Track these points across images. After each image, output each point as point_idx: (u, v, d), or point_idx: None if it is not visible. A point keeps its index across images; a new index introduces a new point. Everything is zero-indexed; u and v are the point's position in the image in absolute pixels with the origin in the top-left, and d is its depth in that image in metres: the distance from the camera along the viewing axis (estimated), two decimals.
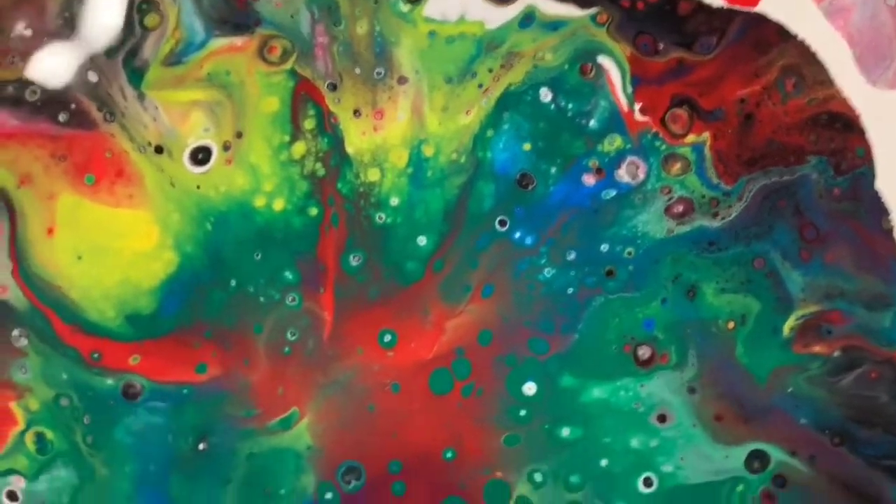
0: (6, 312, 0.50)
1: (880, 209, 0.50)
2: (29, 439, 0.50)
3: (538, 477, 0.49)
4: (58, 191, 0.50)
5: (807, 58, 0.51)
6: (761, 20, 0.51)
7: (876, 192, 0.50)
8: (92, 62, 0.51)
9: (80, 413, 0.50)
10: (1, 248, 0.50)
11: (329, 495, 0.49)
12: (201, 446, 0.49)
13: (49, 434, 0.50)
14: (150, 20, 0.50)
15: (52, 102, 0.51)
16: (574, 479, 0.49)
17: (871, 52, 0.51)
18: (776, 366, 0.49)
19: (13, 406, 0.50)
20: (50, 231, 0.50)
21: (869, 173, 0.50)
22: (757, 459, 0.49)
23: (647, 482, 0.49)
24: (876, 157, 0.50)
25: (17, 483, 0.49)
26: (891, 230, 0.50)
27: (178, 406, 0.50)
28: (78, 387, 0.50)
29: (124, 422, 0.50)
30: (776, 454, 0.49)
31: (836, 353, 0.49)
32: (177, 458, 0.50)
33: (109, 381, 0.50)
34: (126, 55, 0.51)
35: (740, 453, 0.49)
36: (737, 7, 0.51)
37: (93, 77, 0.51)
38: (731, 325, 0.49)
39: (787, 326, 0.49)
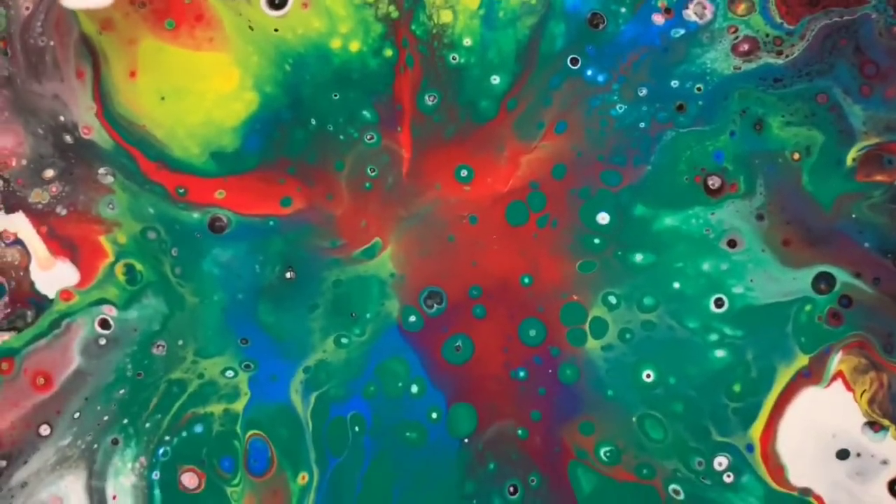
0: (92, 152, 0.57)
1: None
2: (119, 271, 0.56)
3: (612, 300, 0.55)
4: (139, 36, 0.57)
5: None
6: None
7: None
8: None
9: (167, 246, 0.56)
10: (85, 92, 0.57)
11: (412, 318, 0.56)
12: (288, 275, 0.56)
13: (138, 265, 0.56)
14: None
15: None
16: (648, 300, 0.55)
17: None
18: (840, 193, 0.56)
19: (102, 240, 0.56)
20: (132, 74, 0.57)
21: None
22: (823, 281, 0.55)
23: (719, 303, 0.55)
24: None
25: (109, 312, 0.56)
26: None
27: (265, 238, 0.56)
28: (165, 221, 0.56)
29: (212, 253, 0.56)
30: (842, 276, 0.55)
31: None
32: (265, 287, 0.56)
33: (196, 215, 0.56)
34: None
35: (807, 275, 0.55)
36: None
37: None
38: (796, 156, 0.56)
39: (850, 157, 0.56)
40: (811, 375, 0.50)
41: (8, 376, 0.52)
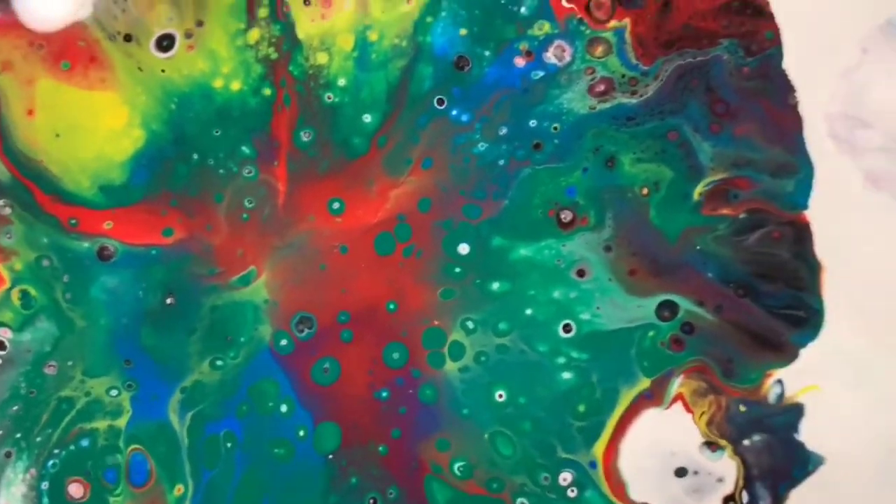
0: None
1: (786, 86, 0.62)
2: (14, 296, 0.63)
3: (470, 325, 0.61)
4: (36, 76, 0.63)
5: None
6: None
7: (783, 71, 0.63)
8: None
9: (59, 273, 0.63)
10: None
11: (284, 342, 0.62)
12: (169, 301, 0.62)
13: (32, 291, 0.63)
14: None
15: None
16: (502, 325, 0.61)
17: None
18: (686, 226, 0.61)
19: (0, 267, 0.63)
20: (30, 112, 0.63)
21: (777, 54, 0.62)
22: (667, 309, 0.61)
23: (567, 328, 0.61)
24: (784, 39, 0.63)
25: (4, 334, 0.62)
26: (796, 105, 0.63)
27: (148, 266, 0.62)
28: (57, 249, 0.63)
29: (99, 280, 0.62)
30: (685, 304, 0.61)
31: (742, 215, 0.61)
32: (147, 312, 0.62)
33: (85, 244, 0.63)
34: None
35: (652, 303, 0.61)
36: None
37: None
38: (645, 191, 0.62)
39: (697, 192, 0.62)
40: (653, 397, 0.57)
41: None
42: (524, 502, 0.56)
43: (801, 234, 0.58)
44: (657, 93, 0.59)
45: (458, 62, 0.59)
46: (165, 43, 0.61)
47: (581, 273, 0.58)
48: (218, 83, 0.60)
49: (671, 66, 0.59)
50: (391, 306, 0.58)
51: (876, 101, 0.59)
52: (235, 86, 0.60)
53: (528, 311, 0.58)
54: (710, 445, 0.57)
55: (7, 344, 0.59)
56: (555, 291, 0.58)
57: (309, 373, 0.58)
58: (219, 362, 0.58)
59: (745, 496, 0.59)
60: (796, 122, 0.59)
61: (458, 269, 0.58)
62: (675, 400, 0.57)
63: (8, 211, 0.60)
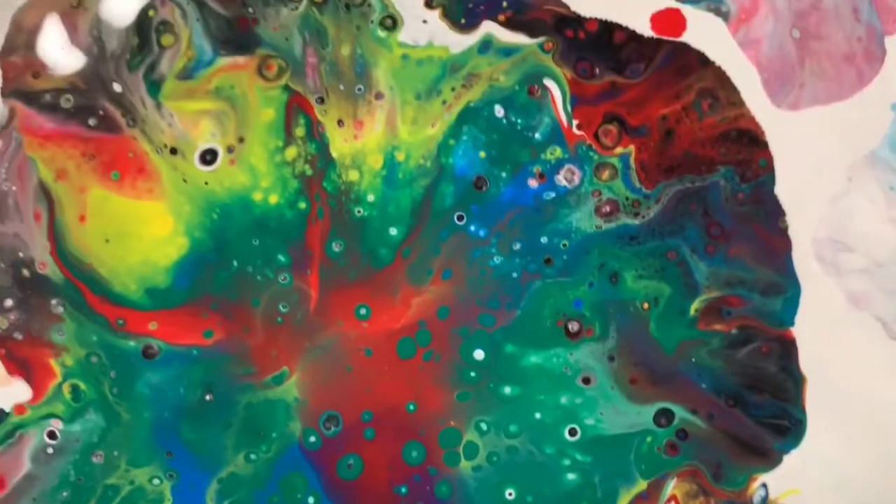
0: (46, 285, 0.71)
1: (778, 211, 0.70)
2: (65, 389, 0.70)
3: (484, 426, 0.69)
4: (88, 185, 0.71)
5: (722, 82, 0.71)
6: (684, 49, 0.69)
7: (775, 197, 0.70)
8: (117, 75, 0.72)
9: (107, 369, 0.70)
10: (41, 231, 0.71)
11: (312, 438, 0.69)
12: (207, 397, 0.70)
13: (82, 385, 0.70)
14: (166, 39, 0.71)
15: (83, 109, 0.72)
16: (513, 428, 0.69)
17: (777, 77, 0.71)
18: (682, 340, 0.69)
19: (52, 362, 0.70)
20: (82, 218, 0.71)
21: (769, 181, 0.70)
22: (664, 416, 0.69)
23: (572, 432, 0.68)
24: (776, 167, 0.71)
25: (56, 425, 0.69)
26: (786, 229, 0.70)
27: (189, 365, 0.70)
28: (105, 347, 0.70)
29: (144, 377, 0.70)
30: (680, 412, 0.69)
31: (734, 331, 0.68)
32: (187, 407, 0.69)
33: (132, 343, 0.70)
34: (145, 69, 0.72)
35: (650, 411, 0.68)
36: (664, 37, 0.72)
37: (117, 88, 0.72)
38: (646, 305, 0.70)
39: (693, 308, 0.70)
40: (649, 498, 0.64)
41: None
42: None
43: (788, 350, 0.66)
44: (658, 215, 0.66)
45: (477, 182, 0.67)
46: (209, 157, 0.67)
47: (587, 380, 0.65)
48: (257, 196, 0.67)
49: (672, 191, 0.66)
50: (411, 407, 0.65)
51: (859, 227, 0.66)
52: (273, 199, 0.67)
53: (537, 415, 0.65)
54: None
55: (58, 434, 0.66)
56: (562, 397, 0.65)
57: (335, 468, 0.65)
58: (252, 456, 0.65)
59: None
60: (786, 244, 0.66)
61: (473, 374, 0.65)
62: (668, 501, 0.64)
63: (60, 310, 0.67)
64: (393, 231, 0.66)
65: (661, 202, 0.64)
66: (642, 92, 0.66)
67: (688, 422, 0.63)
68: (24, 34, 0.67)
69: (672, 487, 0.63)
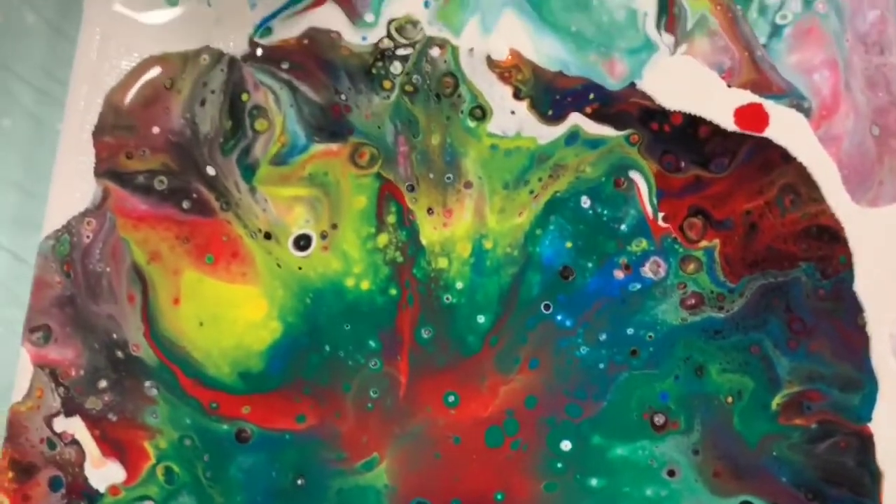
0: (140, 367, 0.73)
1: (857, 308, 0.73)
2: (159, 472, 0.72)
3: None
4: (182, 267, 0.74)
5: (803, 178, 0.73)
6: (767, 144, 0.73)
7: (854, 294, 0.73)
8: (210, 158, 0.75)
9: (200, 452, 0.73)
10: (135, 313, 0.74)
11: None
12: (299, 482, 0.72)
13: (176, 468, 0.72)
14: (260, 125, 0.74)
15: (177, 191, 0.75)
16: None
17: (857, 174, 0.74)
18: (764, 434, 0.72)
19: (146, 444, 0.73)
20: (176, 301, 0.74)
21: (849, 278, 0.73)
22: None
23: None
24: (855, 264, 0.74)
25: None
26: (864, 326, 0.73)
27: (281, 449, 0.72)
28: (199, 430, 0.73)
29: (237, 460, 0.72)
30: None
31: (814, 426, 0.71)
32: (279, 491, 0.72)
33: (225, 427, 0.73)
34: (239, 153, 0.75)
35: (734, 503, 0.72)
36: (747, 132, 0.75)
37: (211, 171, 0.75)
38: (730, 399, 0.72)
39: (775, 402, 0.72)
40: None
41: None
42: None
43: (865, 444, 0.68)
44: (742, 309, 0.69)
45: (564, 271, 0.69)
46: (302, 242, 0.70)
47: (671, 473, 0.67)
48: (350, 282, 0.70)
49: (755, 285, 0.69)
50: (499, 496, 0.68)
51: None
52: (365, 285, 0.70)
53: None
54: None
55: None
56: (647, 489, 0.67)
57: None
58: None
59: None
60: (864, 340, 0.69)
61: (560, 465, 0.68)
62: None
63: (154, 392, 0.69)
64: (481, 319, 0.68)
65: (745, 296, 0.67)
66: (726, 186, 0.68)
67: None
68: (117, 114, 0.68)
69: None
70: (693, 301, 0.67)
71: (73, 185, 0.70)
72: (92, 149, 0.70)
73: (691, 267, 0.67)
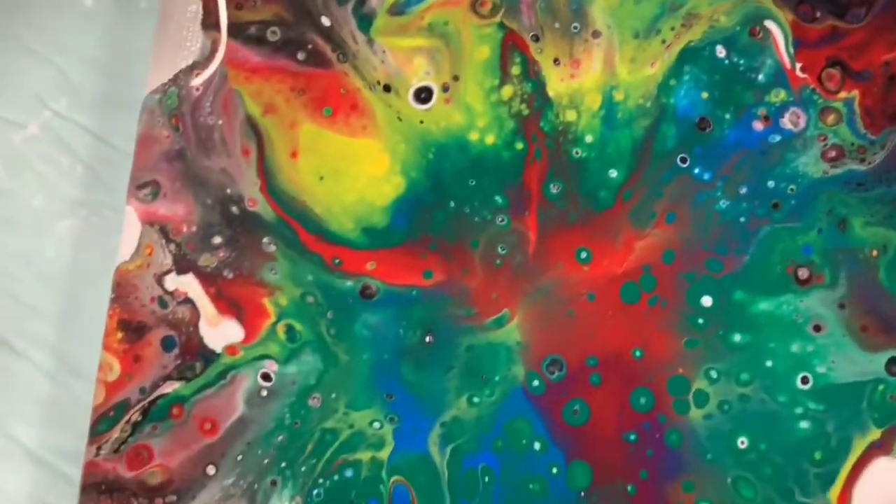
0: (256, 222, 0.70)
1: None
2: (280, 330, 0.70)
3: (714, 374, 0.69)
4: (299, 120, 0.71)
5: None
6: None
7: None
8: (325, 8, 0.72)
9: (323, 309, 0.70)
10: (250, 167, 0.71)
11: (536, 383, 0.69)
12: (428, 339, 0.69)
13: (297, 325, 0.70)
14: None
15: (291, 42, 0.72)
16: (744, 376, 0.69)
17: None
18: None
19: (265, 302, 0.70)
20: (294, 154, 0.71)
21: None
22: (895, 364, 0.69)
23: (805, 380, 0.68)
24: None
25: (271, 367, 0.69)
26: None
27: (408, 305, 0.70)
28: (321, 287, 0.70)
29: (362, 317, 0.70)
30: None
31: None
32: (407, 349, 0.69)
33: (349, 283, 0.70)
34: (355, 3, 0.72)
35: (882, 359, 0.69)
36: None
37: (326, 21, 0.72)
38: (874, 252, 0.70)
39: None
40: (882, 447, 0.64)
41: (178, 421, 0.65)
42: None
43: None
44: (884, 161, 0.67)
45: (701, 123, 0.67)
46: (423, 95, 0.68)
47: (817, 328, 0.65)
48: (473, 136, 0.68)
49: None
50: (637, 353, 0.65)
51: None
52: (490, 139, 0.67)
53: (769, 363, 0.65)
54: None
55: (273, 376, 0.65)
56: (793, 345, 0.65)
57: (560, 413, 0.65)
58: (475, 399, 0.65)
59: None
60: None
61: (700, 321, 0.65)
62: None
63: (273, 248, 0.67)
64: (613, 173, 0.66)
65: (887, 148, 0.65)
66: (864, 37, 0.66)
67: None
68: None
69: None
70: (834, 153, 0.65)
71: (178, 37, 0.66)
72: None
73: (831, 118, 0.65)
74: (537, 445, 0.64)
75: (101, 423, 0.63)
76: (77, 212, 0.74)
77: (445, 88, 0.66)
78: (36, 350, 0.72)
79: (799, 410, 0.63)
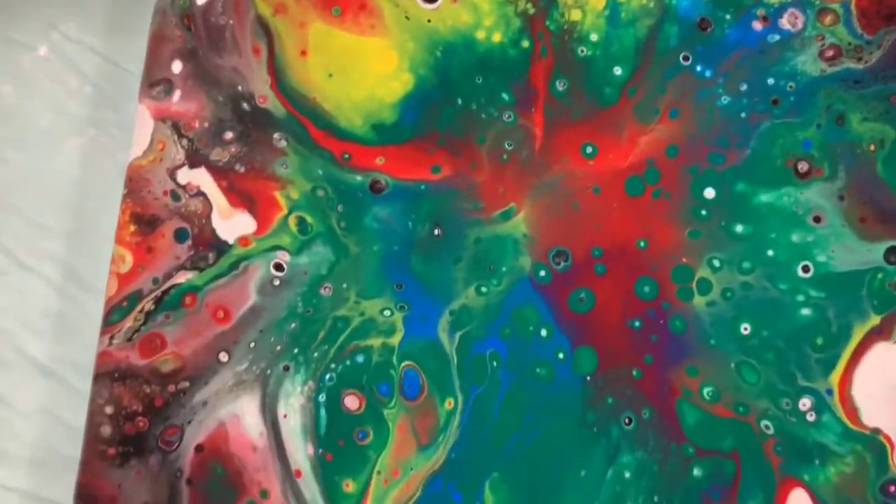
0: (267, 119, 0.72)
1: None
2: (291, 222, 0.71)
3: (717, 263, 0.71)
4: (309, 20, 0.73)
5: None
6: None
7: None
8: None
9: (334, 202, 0.72)
10: (261, 66, 0.73)
11: (542, 273, 0.71)
12: (436, 232, 0.72)
13: (309, 218, 0.71)
14: None
15: None
16: (746, 265, 0.71)
17: None
18: None
19: (277, 195, 0.72)
20: (303, 53, 0.73)
21: None
22: (894, 254, 0.72)
23: (805, 269, 0.71)
24: None
25: (283, 257, 0.71)
26: None
27: (417, 199, 0.72)
28: (331, 181, 0.72)
29: (372, 211, 0.72)
30: None
31: None
32: (416, 241, 0.71)
33: (358, 178, 0.72)
34: None
35: (880, 248, 0.71)
36: None
37: None
38: (872, 147, 0.72)
39: None
40: (882, 333, 0.66)
41: (191, 310, 0.67)
42: (768, 425, 0.66)
43: None
44: (880, 60, 0.69)
45: (702, 23, 0.70)
46: None
47: (817, 219, 0.67)
48: (480, 34, 0.70)
49: (892, 37, 0.69)
50: (642, 244, 0.68)
51: None
52: (496, 37, 0.70)
53: (770, 253, 0.67)
54: None
55: (285, 266, 0.67)
56: (794, 235, 0.67)
57: (566, 302, 0.67)
58: (483, 289, 0.67)
59: None
60: None
61: (704, 212, 0.68)
62: None
63: (283, 143, 0.69)
64: (617, 70, 0.68)
65: (883, 48, 0.68)
66: None
67: None
68: None
69: None
70: (831, 52, 0.67)
71: None
72: None
73: (828, 19, 0.68)
74: (544, 332, 0.66)
75: (114, 313, 0.65)
76: (85, 131, 0.75)
77: None
78: (45, 266, 0.73)
79: (800, 298, 0.66)
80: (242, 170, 0.66)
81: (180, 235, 0.65)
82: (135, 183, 0.66)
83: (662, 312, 0.65)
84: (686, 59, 0.67)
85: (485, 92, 0.67)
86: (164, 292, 0.65)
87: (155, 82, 0.67)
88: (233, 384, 0.64)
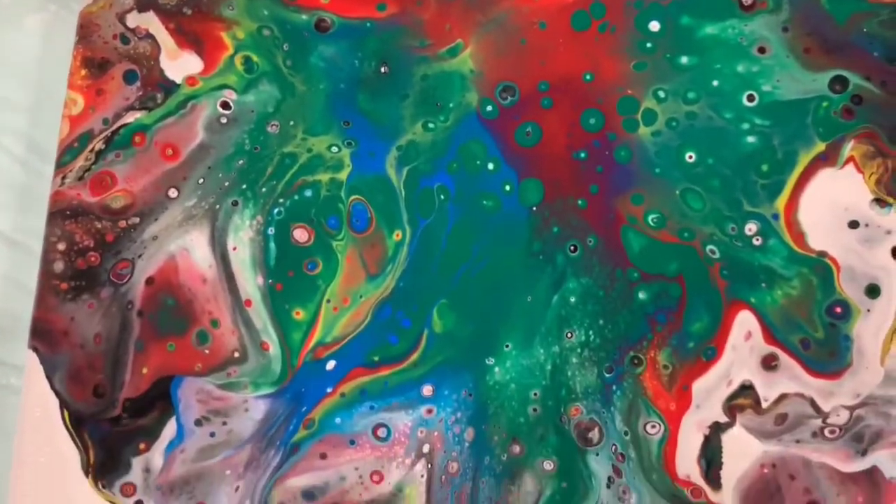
0: None
1: None
2: (238, 61, 0.73)
3: (661, 94, 0.73)
4: None
5: None
6: None
7: None
8: None
9: (279, 42, 0.74)
10: None
11: (489, 108, 0.73)
12: (383, 69, 0.73)
13: (255, 57, 0.73)
14: None
15: None
16: (691, 95, 0.73)
17: None
18: (853, 11, 0.73)
19: (223, 35, 0.74)
20: None
21: None
22: (838, 83, 0.73)
23: (750, 98, 0.72)
24: None
25: (229, 96, 0.73)
26: None
27: (363, 37, 0.73)
28: (277, 20, 0.74)
29: (318, 49, 0.73)
30: (854, 79, 0.73)
31: None
32: (363, 79, 0.73)
33: (304, 17, 0.74)
34: None
35: (825, 78, 0.73)
36: None
37: None
38: None
39: None
40: (827, 159, 0.68)
41: (140, 148, 0.69)
42: (714, 250, 0.68)
43: None
44: None
45: None
46: None
47: (762, 50, 0.69)
48: None
49: None
50: (587, 77, 0.69)
51: None
52: None
53: (715, 83, 0.69)
54: (879, 202, 0.68)
55: (231, 104, 0.69)
56: (738, 66, 0.69)
57: (513, 135, 0.69)
58: (430, 125, 0.69)
59: None
60: None
61: (649, 45, 0.69)
62: (847, 162, 0.69)
63: None
64: None
65: None
66: None
67: (862, 88, 0.68)
68: None
69: (850, 149, 0.67)
70: None
71: None
72: None
73: None
74: (491, 166, 0.67)
75: (66, 154, 0.67)
76: (46, 6, 0.77)
77: None
78: (8, 139, 0.75)
79: (745, 126, 0.67)
80: (189, 12, 0.68)
81: (130, 77, 0.67)
82: (85, 29, 0.68)
83: (608, 143, 0.67)
84: None
85: None
86: (114, 132, 0.67)
87: None
88: (182, 219, 0.66)
